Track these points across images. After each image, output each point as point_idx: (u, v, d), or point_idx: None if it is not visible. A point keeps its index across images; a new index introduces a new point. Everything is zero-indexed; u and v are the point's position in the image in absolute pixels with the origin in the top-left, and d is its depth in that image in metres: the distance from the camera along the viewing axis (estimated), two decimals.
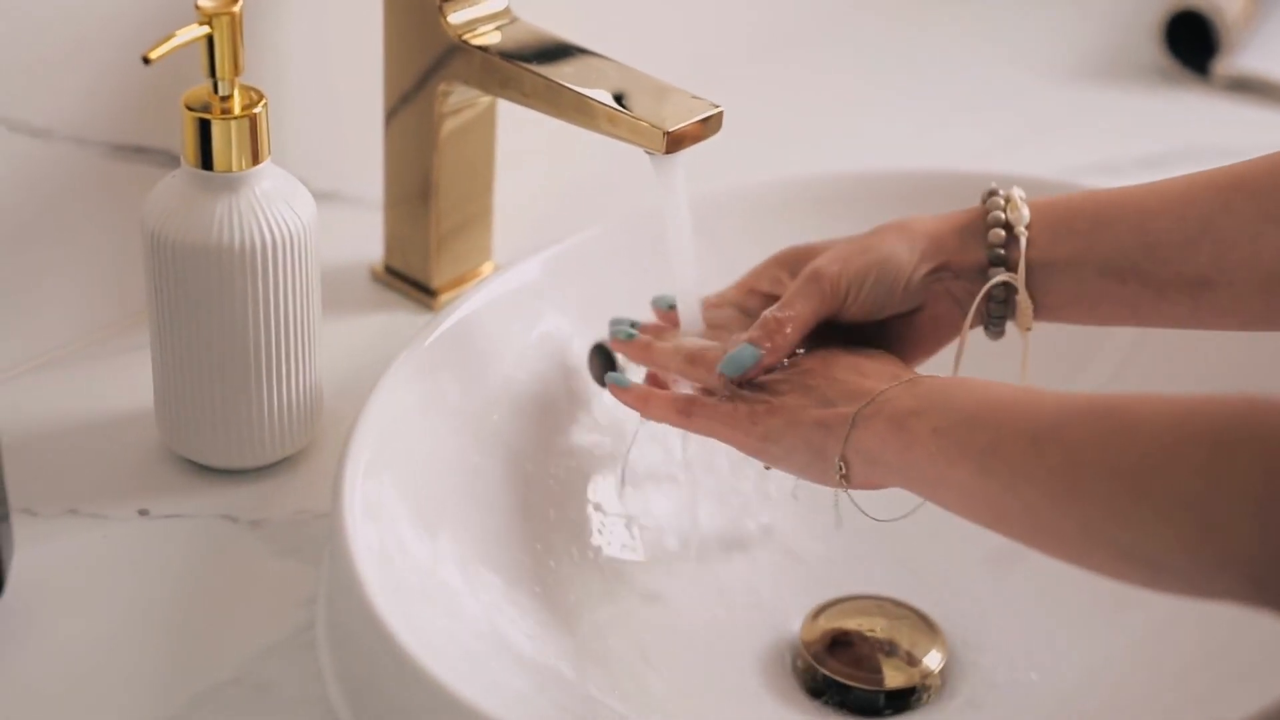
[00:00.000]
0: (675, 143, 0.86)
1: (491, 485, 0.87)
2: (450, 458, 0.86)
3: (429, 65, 0.96)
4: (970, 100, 1.28)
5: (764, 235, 0.99)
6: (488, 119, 1.00)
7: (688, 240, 0.90)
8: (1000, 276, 0.83)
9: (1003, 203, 0.84)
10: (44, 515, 0.86)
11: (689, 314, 0.90)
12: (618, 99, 0.88)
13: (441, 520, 0.84)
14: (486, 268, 1.04)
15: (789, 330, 0.83)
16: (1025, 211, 0.83)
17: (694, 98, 0.88)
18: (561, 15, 1.01)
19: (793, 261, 0.89)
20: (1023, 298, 0.83)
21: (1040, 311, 0.84)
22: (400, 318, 1.01)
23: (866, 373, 0.80)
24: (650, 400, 0.85)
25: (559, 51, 0.93)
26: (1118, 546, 0.65)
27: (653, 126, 0.86)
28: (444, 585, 0.81)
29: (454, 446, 0.86)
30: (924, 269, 0.84)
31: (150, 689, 0.77)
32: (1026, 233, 0.83)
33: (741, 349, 0.82)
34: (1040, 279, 0.83)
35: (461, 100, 0.98)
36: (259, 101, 0.83)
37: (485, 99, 0.99)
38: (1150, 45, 1.34)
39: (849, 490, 0.78)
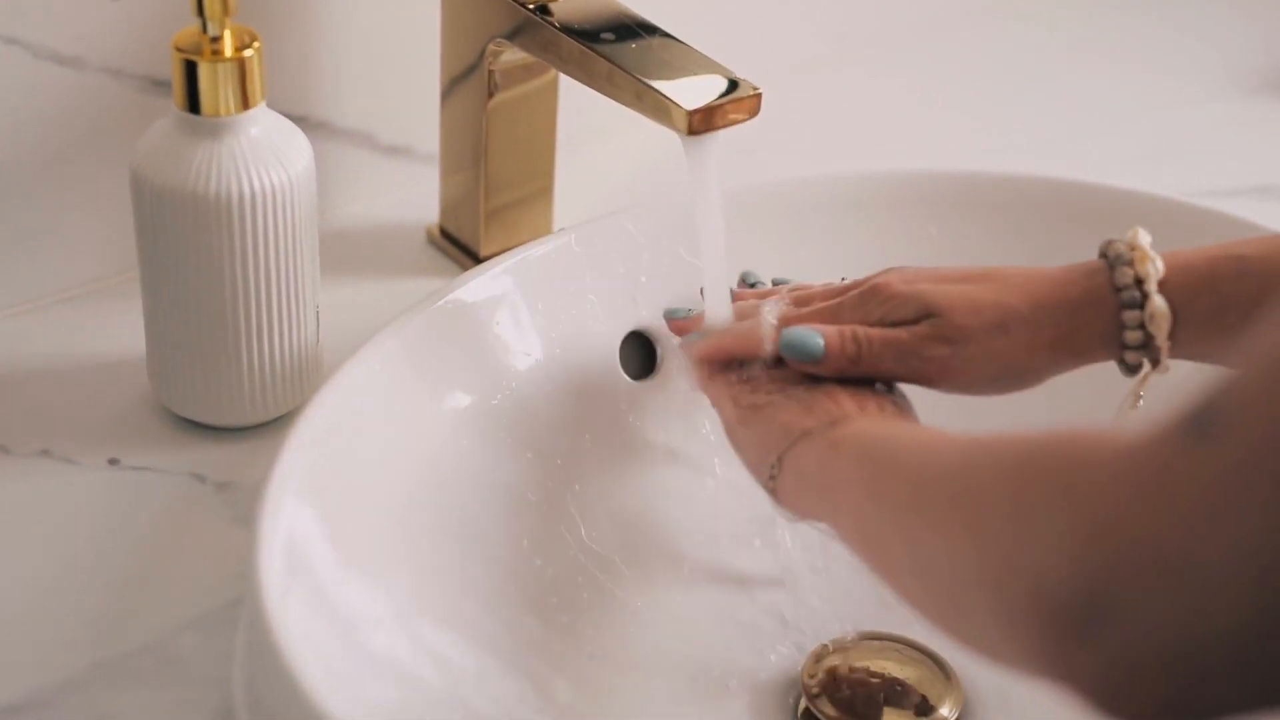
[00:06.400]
0: (700, 124, 0.79)
1: (458, 503, 0.82)
2: (413, 461, 0.81)
3: (485, 24, 0.91)
4: (1121, 109, 1.17)
5: (827, 232, 0.93)
6: (549, 92, 0.95)
7: (717, 232, 0.83)
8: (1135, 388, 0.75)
9: (1140, 314, 0.74)
10: (15, 453, 0.84)
11: (717, 310, 0.83)
12: (654, 74, 0.81)
13: (385, 534, 0.78)
14: None
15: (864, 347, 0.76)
16: (1166, 324, 0.73)
17: (738, 79, 0.81)
18: None
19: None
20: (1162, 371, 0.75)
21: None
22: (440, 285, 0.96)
23: (842, 400, 0.74)
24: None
25: (616, 21, 0.86)
26: (922, 567, 0.59)
27: (676, 105, 0.79)
28: (371, 614, 0.75)
29: (420, 449, 0.81)
30: (1045, 366, 0.76)
31: (58, 648, 0.74)
32: (1169, 343, 0.73)
33: (809, 340, 0.76)
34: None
35: (513, 62, 0.92)
36: (251, 43, 0.79)
37: (547, 73, 0.94)
38: None
39: (776, 500, 0.73)
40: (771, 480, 0.73)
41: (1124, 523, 0.48)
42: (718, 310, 0.83)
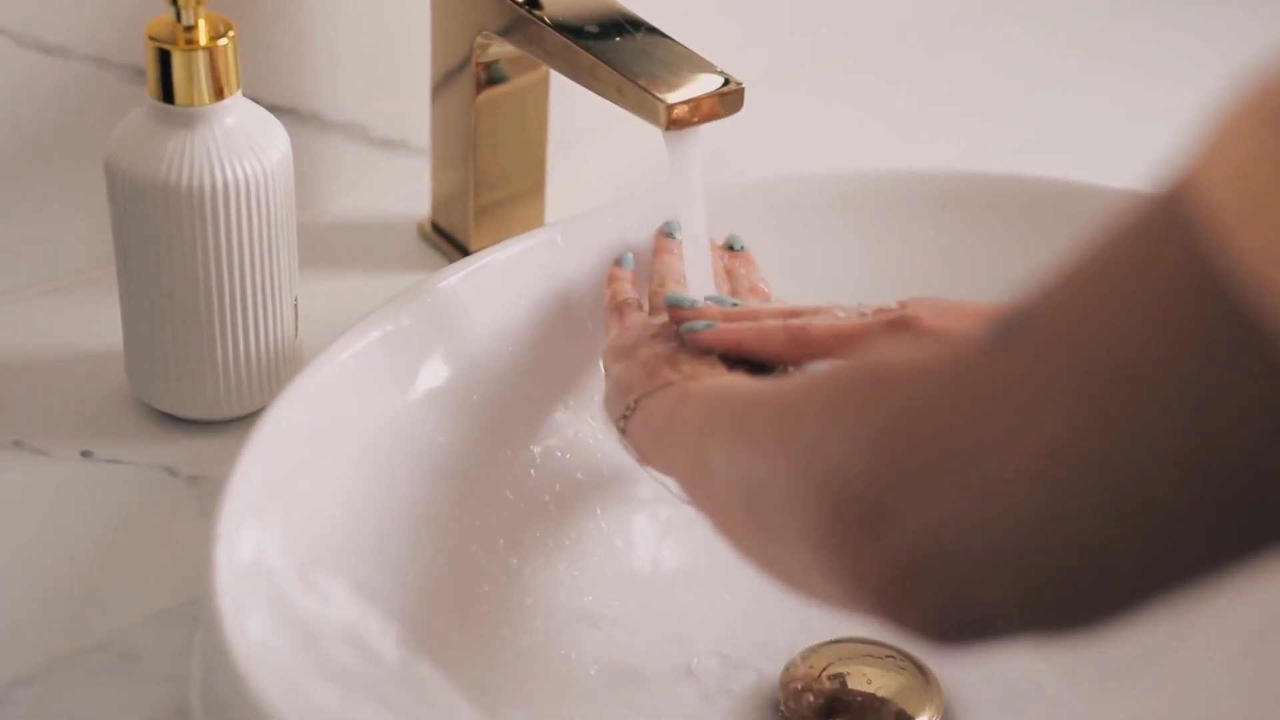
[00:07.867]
0: (679, 119, 0.78)
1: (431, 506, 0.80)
2: (386, 459, 0.79)
3: (475, 18, 0.90)
4: (1122, 110, 1.15)
5: (821, 231, 0.91)
6: (541, 87, 0.94)
7: (699, 226, 0.82)
8: None
9: None
10: None
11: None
12: (636, 69, 0.80)
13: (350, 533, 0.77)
14: None
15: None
16: None
17: (723, 75, 0.79)
18: None
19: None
20: None
21: None
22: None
23: (717, 367, 0.75)
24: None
25: (605, 17, 0.84)
26: (744, 491, 0.59)
27: (655, 99, 0.78)
28: (332, 616, 0.74)
29: (393, 446, 0.80)
30: None
31: (16, 642, 0.73)
32: None
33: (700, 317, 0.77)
34: None
35: (504, 56, 0.91)
36: (226, 32, 0.78)
37: (539, 68, 0.92)
38: None
39: (623, 440, 0.75)
40: (623, 420, 0.74)
41: (917, 416, 0.48)
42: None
